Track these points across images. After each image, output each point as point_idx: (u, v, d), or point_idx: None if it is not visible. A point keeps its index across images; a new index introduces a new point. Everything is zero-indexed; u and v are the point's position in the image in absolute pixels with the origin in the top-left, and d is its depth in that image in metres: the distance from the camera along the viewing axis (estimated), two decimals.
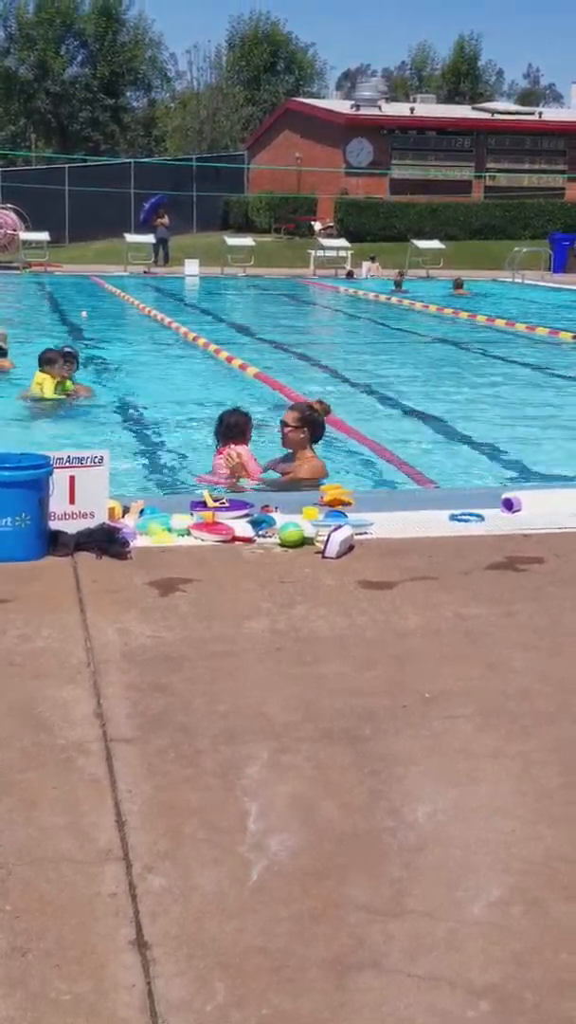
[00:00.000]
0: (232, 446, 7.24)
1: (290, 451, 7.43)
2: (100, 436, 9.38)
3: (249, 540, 5.46)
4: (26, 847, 2.81)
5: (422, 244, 32.48)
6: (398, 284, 26.72)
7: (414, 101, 47.31)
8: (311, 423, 7.40)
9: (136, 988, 2.33)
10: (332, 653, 4.11)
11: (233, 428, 7.37)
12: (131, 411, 10.70)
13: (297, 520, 5.56)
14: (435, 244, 32.60)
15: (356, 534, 5.44)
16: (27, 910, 2.57)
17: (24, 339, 14.27)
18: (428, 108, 44.84)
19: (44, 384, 10.57)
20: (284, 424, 7.38)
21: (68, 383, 10.83)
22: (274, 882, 2.70)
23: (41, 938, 2.47)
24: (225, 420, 7.43)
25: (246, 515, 5.72)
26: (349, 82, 64.26)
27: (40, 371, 10.67)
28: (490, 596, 4.77)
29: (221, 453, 7.30)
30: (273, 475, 7.39)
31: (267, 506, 5.88)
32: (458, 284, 26.34)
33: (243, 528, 5.54)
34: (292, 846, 2.86)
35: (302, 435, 7.32)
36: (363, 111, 41.69)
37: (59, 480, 5.29)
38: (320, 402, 7.82)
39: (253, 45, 58.02)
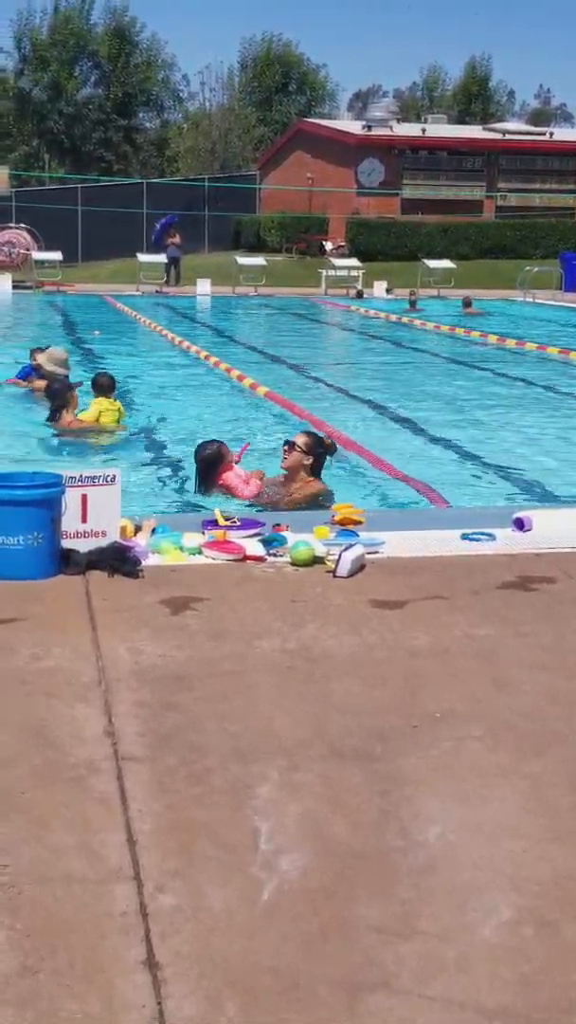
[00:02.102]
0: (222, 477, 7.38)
1: (286, 473, 7.45)
2: (130, 459, 9.37)
3: (260, 559, 5.47)
4: (36, 866, 2.82)
5: (433, 263, 32.56)
6: (412, 303, 26.78)
7: (425, 121, 47.48)
8: (318, 455, 7.44)
9: (147, 1008, 2.33)
10: (342, 672, 4.12)
11: (210, 462, 7.47)
12: (143, 430, 10.72)
13: (308, 539, 5.57)
14: (446, 263, 32.67)
15: (367, 553, 5.45)
16: (37, 929, 2.57)
17: None
18: (439, 128, 45.00)
19: (104, 413, 10.24)
20: (292, 445, 7.37)
21: (122, 411, 10.50)
22: (284, 901, 2.70)
23: (51, 957, 2.48)
24: (199, 459, 7.54)
25: (257, 534, 5.74)
26: (361, 103, 64.64)
27: (98, 397, 10.38)
28: (501, 615, 4.77)
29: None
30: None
31: (278, 525, 5.90)
32: (467, 303, 26.38)
33: (254, 547, 5.55)
34: (302, 865, 2.86)
35: (306, 461, 7.34)
36: (375, 131, 41.86)
37: (71, 499, 5.31)
38: (330, 440, 7.85)
39: (265, 66, 58.37)
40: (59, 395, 10.30)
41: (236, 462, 7.68)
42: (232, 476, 7.50)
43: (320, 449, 7.45)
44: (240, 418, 11.58)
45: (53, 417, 10.27)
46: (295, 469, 7.36)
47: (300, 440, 7.41)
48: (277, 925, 2.61)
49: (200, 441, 7.95)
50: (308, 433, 7.68)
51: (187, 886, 2.75)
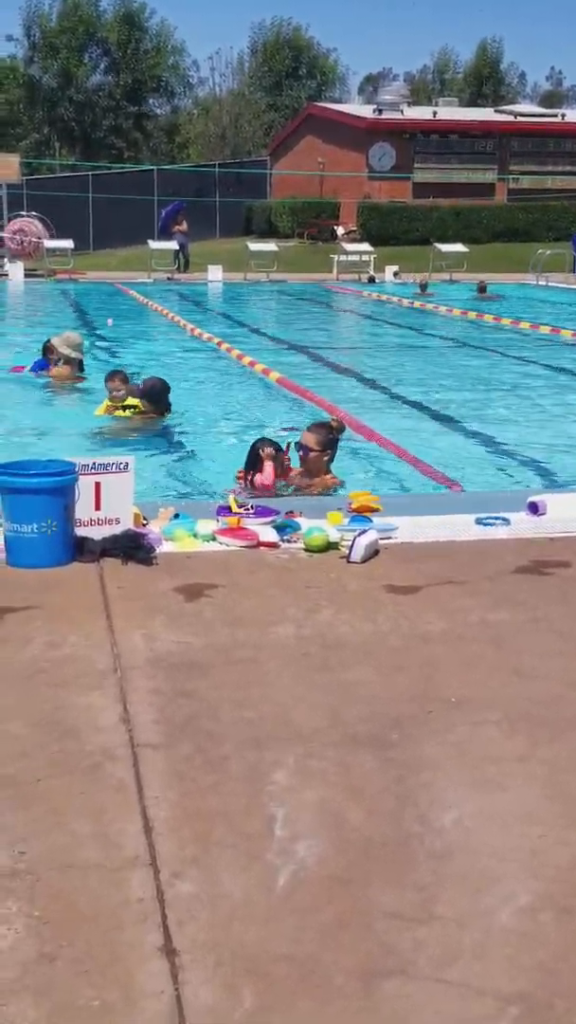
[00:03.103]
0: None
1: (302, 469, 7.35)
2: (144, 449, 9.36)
3: (274, 545, 5.47)
4: (53, 853, 2.82)
5: (445, 248, 32.42)
6: (423, 287, 26.69)
7: (436, 105, 47.28)
8: (332, 444, 7.37)
9: (164, 995, 2.33)
10: (358, 658, 4.11)
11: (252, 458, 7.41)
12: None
13: (322, 525, 5.56)
14: (458, 247, 32.52)
15: (381, 538, 5.43)
16: (55, 917, 2.57)
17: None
18: (450, 111, 44.80)
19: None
20: (307, 449, 7.24)
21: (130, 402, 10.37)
22: (301, 888, 2.70)
23: (69, 945, 2.48)
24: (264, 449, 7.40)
25: (271, 521, 5.73)
26: (371, 86, 64.34)
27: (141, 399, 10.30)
28: (516, 600, 4.75)
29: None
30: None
31: (292, 511, 5.88)
32: (482, 288, 26.26)
33: (268, 533, 5.54)
34: (319, 852, 2.85)
35: (325, 457, 7.29)
36: (385, 115, 41.70)
37: (85, 486, 5.31)
38: (336, 420, 7.76)
39: (275, 51, 58.16)
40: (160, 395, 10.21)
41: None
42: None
43: (332, 437, 7.38)
44: (252, 403, 11.56)
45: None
46: (318, 469, 7.29)
47: (312, 441, 7.24)
48: (294, 912, 2.61)
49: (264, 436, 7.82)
50: (314, 431, 7.42)
51: (203, 873, 2.75)
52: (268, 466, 7.11)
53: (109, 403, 10.20)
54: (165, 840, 2.89)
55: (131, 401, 10.15)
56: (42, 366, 12.67)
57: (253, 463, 7.22)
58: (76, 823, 2.96)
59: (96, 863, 2.79)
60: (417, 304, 24.43)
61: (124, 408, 10.13)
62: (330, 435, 7.39)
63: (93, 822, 2.97)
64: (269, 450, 7.16)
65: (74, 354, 12.27)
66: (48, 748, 3.37)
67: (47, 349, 12.68)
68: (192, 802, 3.08)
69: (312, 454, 7.22)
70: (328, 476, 7.33)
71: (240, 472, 7.32)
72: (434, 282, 28.31)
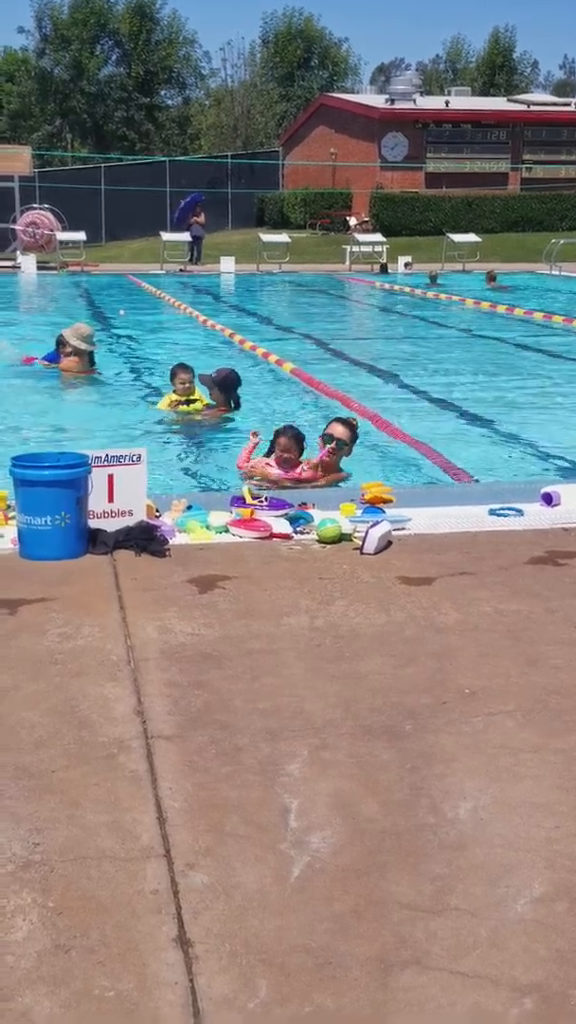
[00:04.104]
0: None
1: (310, 462, 7.31)
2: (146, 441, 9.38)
3: (287, 537, 5.46)
4: (69, 844, 2.83)
5: (458, 238, 32.32)
6: (433, 278, 26.62)
7: (449, 94, 47.09)
8: (356, 439, 7.39)
9: (179, 985, 2.34)
10: (371, 649, 4.11)
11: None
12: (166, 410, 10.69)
13: (335, 516, 5.55)
14: (471, 237, 32.40)
15: (394, 530, 5.43)
16: (70, 907, 2.58)
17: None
18: (463, 101, 44.60)
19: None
20: (341, 443, 7.20)
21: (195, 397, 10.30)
22: (316, 879, 2.70)
23: (84, 935, 2.49)
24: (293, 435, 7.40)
25: (284, 514, 5.72)
26: (383, 76, 64.11)
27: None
28: (530, 591, 4.74)
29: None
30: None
31: (304, 503, 5.88)
32: (491, 277, 26.15)
33: (281, 525, 5.54)
34: (333, 843, 2.85)
35: (346, 454, 7.31)
36: (398, 105, 41.53)
37: (98, 479, 5.31)
38: (354, 419, 7.76)
39: (287, 41, 58.02)
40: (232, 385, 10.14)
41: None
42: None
43: (356, 429, 7.41)
44: (266, 395, 11.54)
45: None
46: (336, 464, 7.29)
47: (342, 433, 7.22)
48: (308, 903, 2.61)
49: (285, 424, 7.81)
50: (345, 422, 7.41)
51: (218, 864, 2.75)
52: (245, 449, 7.20)
53: (174, 397, 10.10)
54: (179, 831, 2.89)
55: (196, 395, 10.09)
56: (52, 358, 12.68)
57: (271, 448, 7.28)
58: (91, 814, 2.97)
59: (111, 854, 2.79)
60: (429, 295, 24.36)
61: (188, 403, 10.06)
62: (356, 429, 7.42)
63: (108, 813, 2.97)
64: (283, 440, 7.19)
65: (84, 346, 12.25)
66: (63, 739, 3.38)
67: (60, 342, 12.68)
68: (206, 793, 3.08)
69: (344, 447, 7.24)
70: (340, 472, 7.35)
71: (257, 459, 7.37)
72: (447, 272, 28.22)
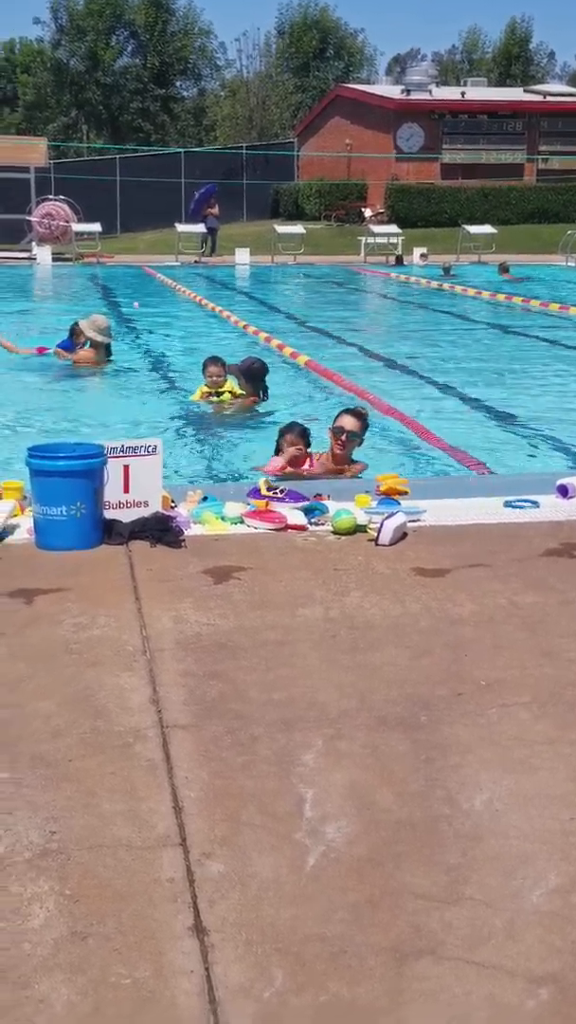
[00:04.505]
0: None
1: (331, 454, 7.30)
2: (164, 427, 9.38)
3: (302, 528, 5.47)
4: (85, 833, 2.84)
5: (474, 229, 32.22)
6: (447, 270, 26.56)
7: (465, 85, 46.91)
8: (366, 430, 7.36)
9: (195, 974, 2.35)
10: (386, 641, 4.11)
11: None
12: (185, 401, 10.71)
13: (350, 507, 5.55)
14: (487, 229, 32.31)
15: (409, 521, 5.42)
16: (87, 895, 2.59)
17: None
18: (479, 92, 44.42)
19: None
20: (351, 435, 7.17)
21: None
22: (331, 869, 2.71)
23: (101, 923, 2.50)
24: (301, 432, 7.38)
25: (300, 504, 5.72)
26: (399, 67, 63.89)
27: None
28: (545, 583, 4.73)
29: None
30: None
31: (319, 494, 5.88)
32: (504, 269, 26.05)
33: (295, 516, 5.54)
34: (349, 833, 2.86)
35: (358, 444, 7.27)
36: (413, 96, 41.38)
37: (113, 469, 5.32)
38: (363, 408, 7.71)
39: (302, 32, 57.87)
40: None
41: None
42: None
43: (367, 420, 7.37)
44: (281, 386, 11.54)
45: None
46: (348, 456, 7.25)
47: (355, 425, 7.17)
48: (324, 892, 2.62)
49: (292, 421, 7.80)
50: (354, 413, 7.36)
51: (234, 853, 2.76)
52: (276, 460, 7.16)
53: (206, 389, 10.23)
54: (195, 820, 2.90)
55: (227, 387, 10.18)
56: (66, 346, 12.69)
57: (277, 448, 7.25)
58: (107, 802, 2.98)
59: (127, 842, 2.80)
60: (445, 286, 24.30)
61: (218, 394, 10.16)
62: (367, 420, 7.38)
63: (124, 801, 2.99)
64: (290, 436, 7.18)
65: (100, 337, 12.27)
66: (79, 728, 3.39)
67: (75, 332, 12.69)
68: (222, 782, 3.09)
69: (353, 440, 7.20)
70: (356, 464, 7.29)
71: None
72: (462, 264, 28.14)
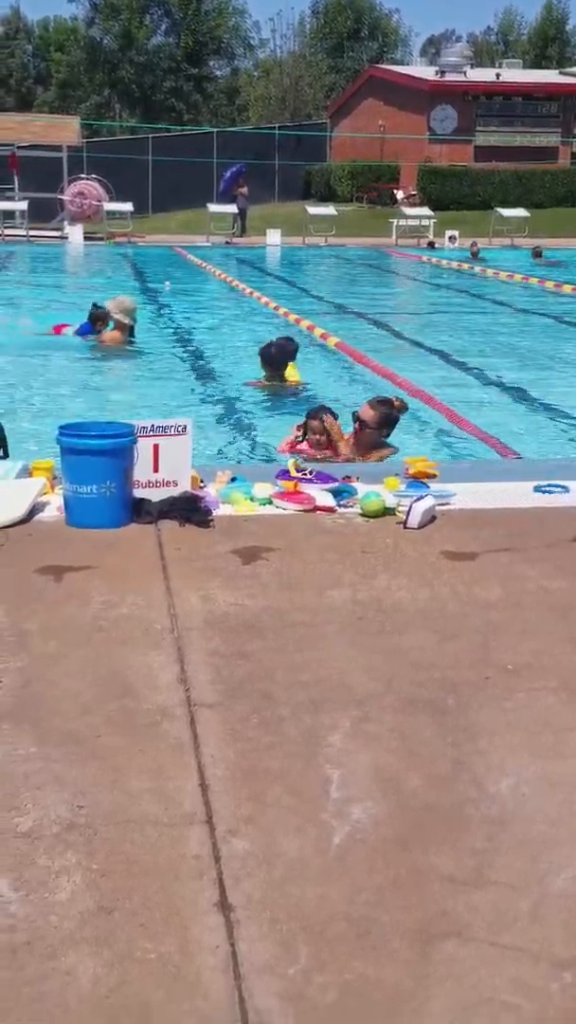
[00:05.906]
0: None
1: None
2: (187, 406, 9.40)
3: (330, 510, 5.46)
4: (112, 809, 2.86)
5: (507, 212, 32.00)
6: (475, 253, 26.42)
7: (500, 67, 46.51)
8: (391, 423, 7.24)
9: (220, 950, 2.36)
10: (414, 624, 4.10)
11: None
12: (214, 381, 10.72)
13: (378, 490, 5.54)
14: (520, 212, 32.09)
15: (438, 505, 5.40)
16: (113, 870, 2.61)
17: None
18: (514, 73, 44.05)
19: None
20: (363, 423, 7.14)
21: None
22: (357, 849, 2.72)
23: (127, 898, 2.52)
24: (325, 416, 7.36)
25: (328, 486, 5.71)
26: (434, 48, 63.40)
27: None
28: (574, 569, 4.71)
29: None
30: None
31: (348, 476, 5.87)
32: (537, 253, 25.88)
33: (324, 498, 5.53)
34: (375, 814, 2.86)
35: (377, 436, 7.18)
36: (448, 77, 41.10)
37: (143, 449, 5.33)
38: (399, 400, 7.58)
39: (337, 12, 57.57)
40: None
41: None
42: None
43: (390, 414, 7.23)
44: (312, 369, 11.53)
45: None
46: (367, 446, 7.19)
47: (369, 418, 7.10)
48: (349, 872, 2.63)
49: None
50: (375, 407, 7.24)
51: (259, 831, 2.77)
52: (286, 440, 7.12)
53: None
54: (221, 798, 2.91)
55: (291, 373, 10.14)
56: (86, 330, 12.67)
57: (304, 433, 7.24)
58: (134, 779, 3.00)
59: (153, 819, 2.82)
60: (477, 269, 24.16)
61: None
62: (390, 413, 7.24)
63: (151, 779, 3.00)
64: (315, 423, 7.17)
65: (127, 320, 12.27)
66: (107, 706, 3.41)
67: (94, 317, 12.66)
68: (248, 762, 3.10)
69: (367, 430, 7.14)
70: (384, 450, 7.24)
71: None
72: (495, 247, 27.96)
